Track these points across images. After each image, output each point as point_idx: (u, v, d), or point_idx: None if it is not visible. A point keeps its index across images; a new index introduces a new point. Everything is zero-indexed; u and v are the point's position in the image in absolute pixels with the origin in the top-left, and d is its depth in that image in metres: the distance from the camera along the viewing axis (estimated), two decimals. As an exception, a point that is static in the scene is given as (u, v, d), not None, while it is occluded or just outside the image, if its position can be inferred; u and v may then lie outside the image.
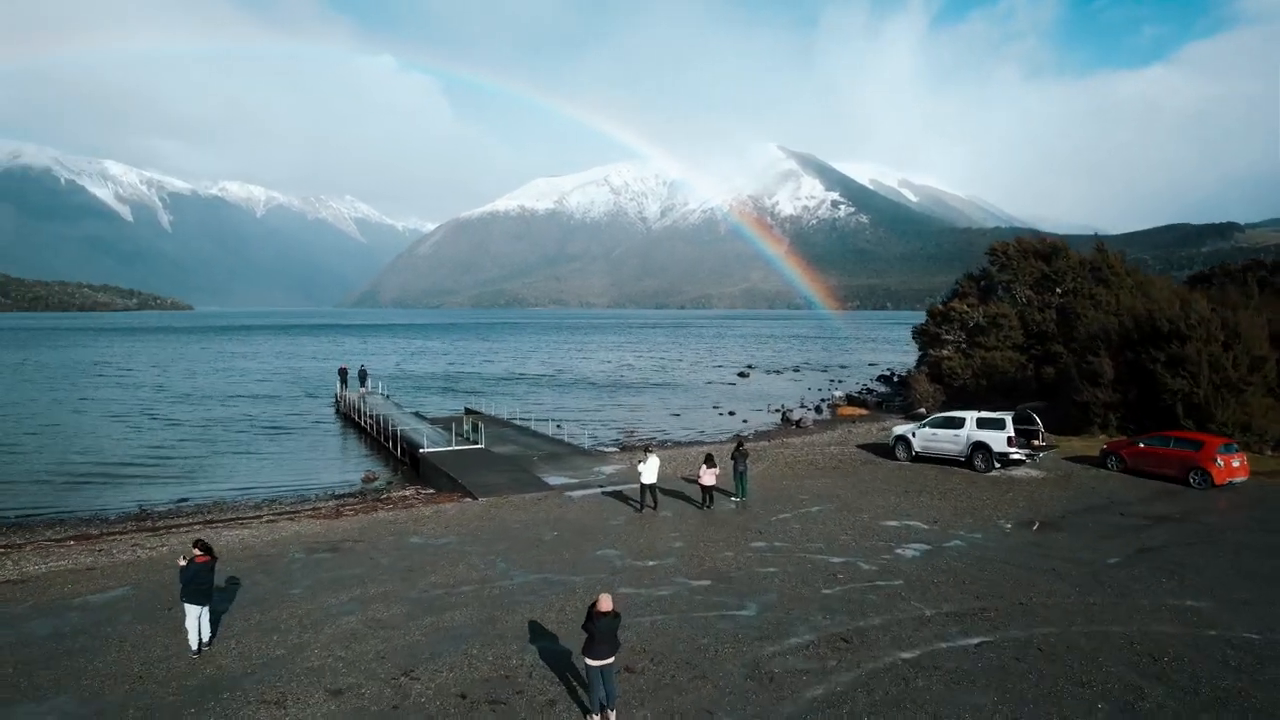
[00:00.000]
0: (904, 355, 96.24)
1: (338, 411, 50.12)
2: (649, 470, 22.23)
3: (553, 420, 38.73)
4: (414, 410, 45.93)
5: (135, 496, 28.78)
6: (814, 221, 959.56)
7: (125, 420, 48.62)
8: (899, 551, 17.99)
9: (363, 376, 52.91)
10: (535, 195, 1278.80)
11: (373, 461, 35.44)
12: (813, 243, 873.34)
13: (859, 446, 34.03)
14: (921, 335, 50.91)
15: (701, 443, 39.34)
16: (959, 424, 28.61)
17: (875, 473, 28.05)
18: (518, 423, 41.54)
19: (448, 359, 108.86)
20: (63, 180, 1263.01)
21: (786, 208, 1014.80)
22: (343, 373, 52.85)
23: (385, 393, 52.76)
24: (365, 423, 41.02)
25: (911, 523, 20.67)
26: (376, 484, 30.56)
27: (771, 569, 16.70)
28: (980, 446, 27.47)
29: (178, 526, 23.35)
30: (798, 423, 46.21)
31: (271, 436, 43.36)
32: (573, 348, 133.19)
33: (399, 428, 36.18)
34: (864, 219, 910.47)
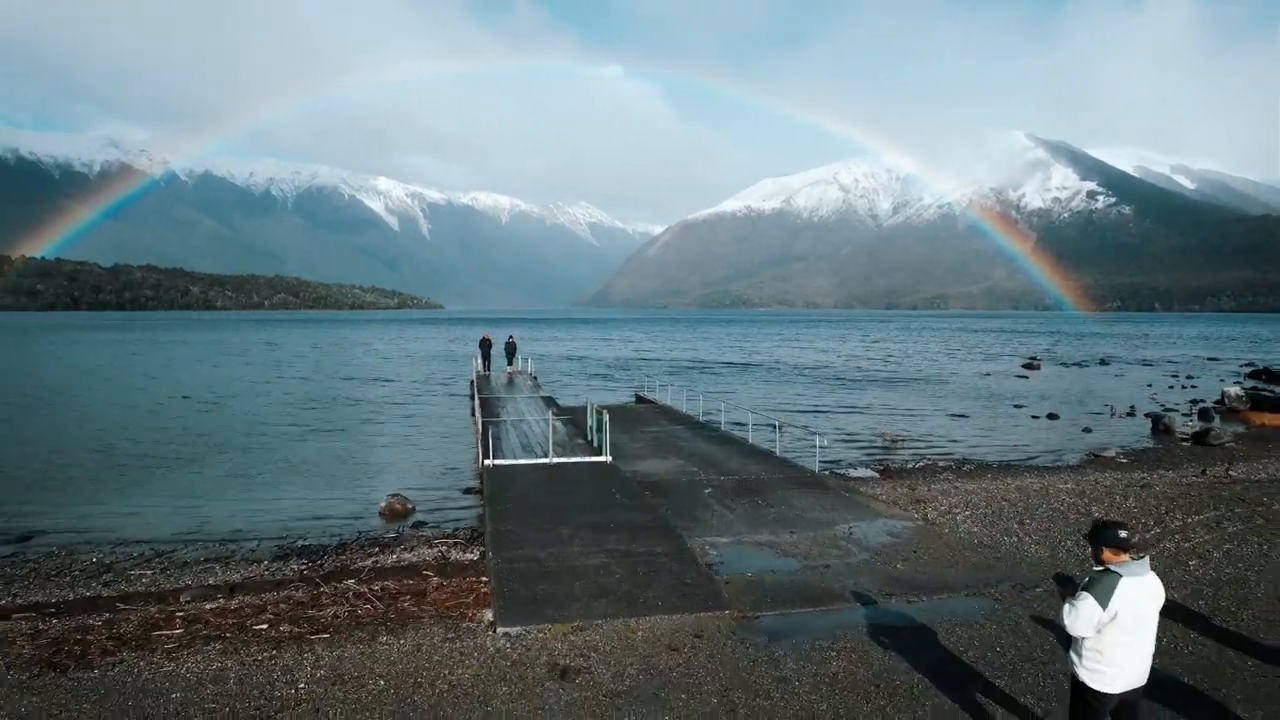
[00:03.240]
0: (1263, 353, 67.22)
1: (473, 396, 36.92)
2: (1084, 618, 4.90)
3: (757, 417, 22.49)
4: (546, 395, 31.02)
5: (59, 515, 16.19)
6: (1066, 215, 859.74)
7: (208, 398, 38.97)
8: None
9: (510, 351, 39.35)
10: (762, 195, 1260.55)
11: (440, 474, 20.87)
12: (1064, 238, 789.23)
13: None
14: None
15: (1035, 467, 20.67)
16: None
17: None
18: (703, 420, 25.41)
19: (636, 345, 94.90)
20: (346, 196, 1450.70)
21: (1034, 200, 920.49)
22: (484, 344, 39.46)
23: (533, 373, 38.86)
24: (476, 410, 26.88)
25: None
26: (401, 524, 15.78)
27: None
28: None
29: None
30: (1202, 437, 25.33)
31: (369, 421, 30.97)
32: (791, 339, 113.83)
33: (488, 421, 21.35)
34: (1126, 210, 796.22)
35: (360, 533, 15.14)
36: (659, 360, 70.17)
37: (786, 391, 43.52)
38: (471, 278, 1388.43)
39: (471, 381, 29.46)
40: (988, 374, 55.11)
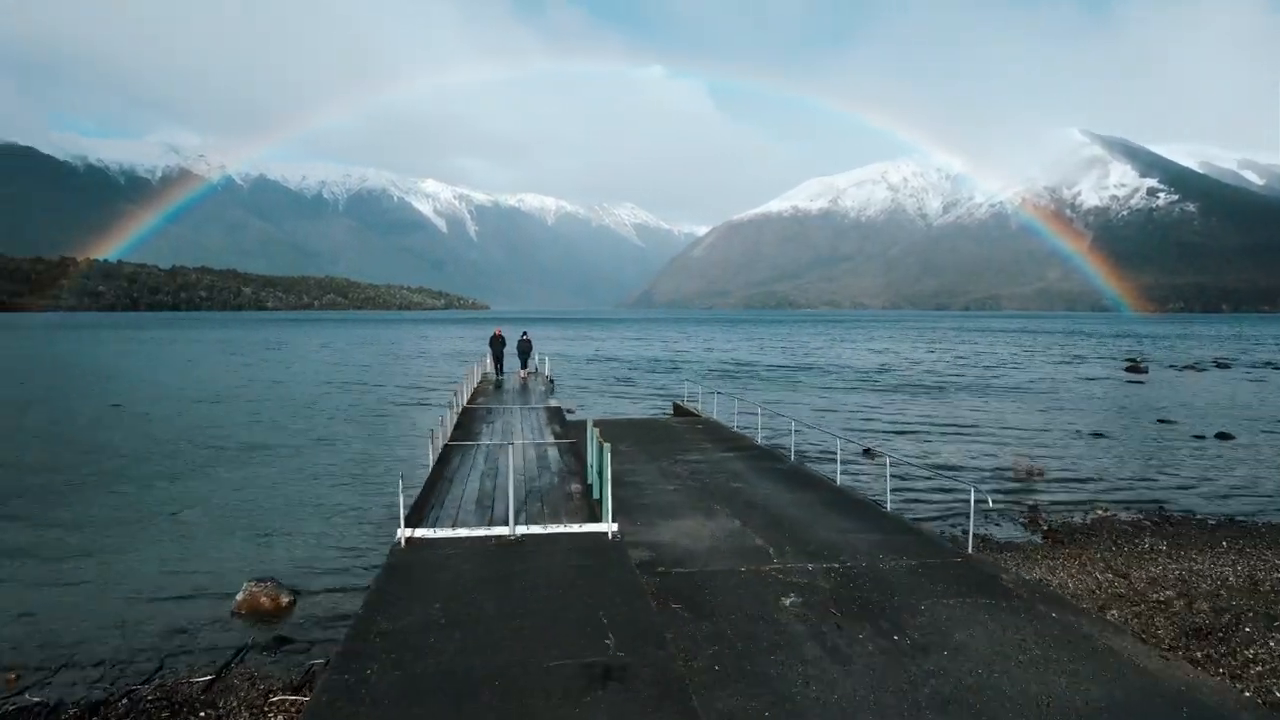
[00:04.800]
0: None
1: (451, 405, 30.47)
2: None
3: (831, 438, 15.41)
4: (554, 406, 24.12)
5: None
6: (1124, 213, 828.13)
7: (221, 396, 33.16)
8: None
9: (524, 351, 32.66)
10: (809, 195, 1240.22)
11: (359, 536, 14.29)
12: (1122, 237, 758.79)
13: None
14: None
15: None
16: None
17: None
18: (761, 442, 18.47)
19: (676, 345, 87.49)
20: (395, 198, 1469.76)
21: (1090, 199, 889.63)
22: (495, 342, 32.86)
23: (550, 375, 32.19)
24: (447, 426, 20.31)
25: None
26: (257, 631, 9.14)
27: None
28: None
29: None
30: None
31: (310, 444, 24.63)
32: (843, 339, 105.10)
33: (452, 448, 14.85)
34: (1190, 207, 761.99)
35: (179, 653, 8.59)
36: (700, 362, 63.04)
37: (856, 401, 36.09)
38: (517, 279, 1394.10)
39: (455, 392, 22.87)
40: (1089, 378, 46.83)
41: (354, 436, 26.11)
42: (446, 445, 15.87)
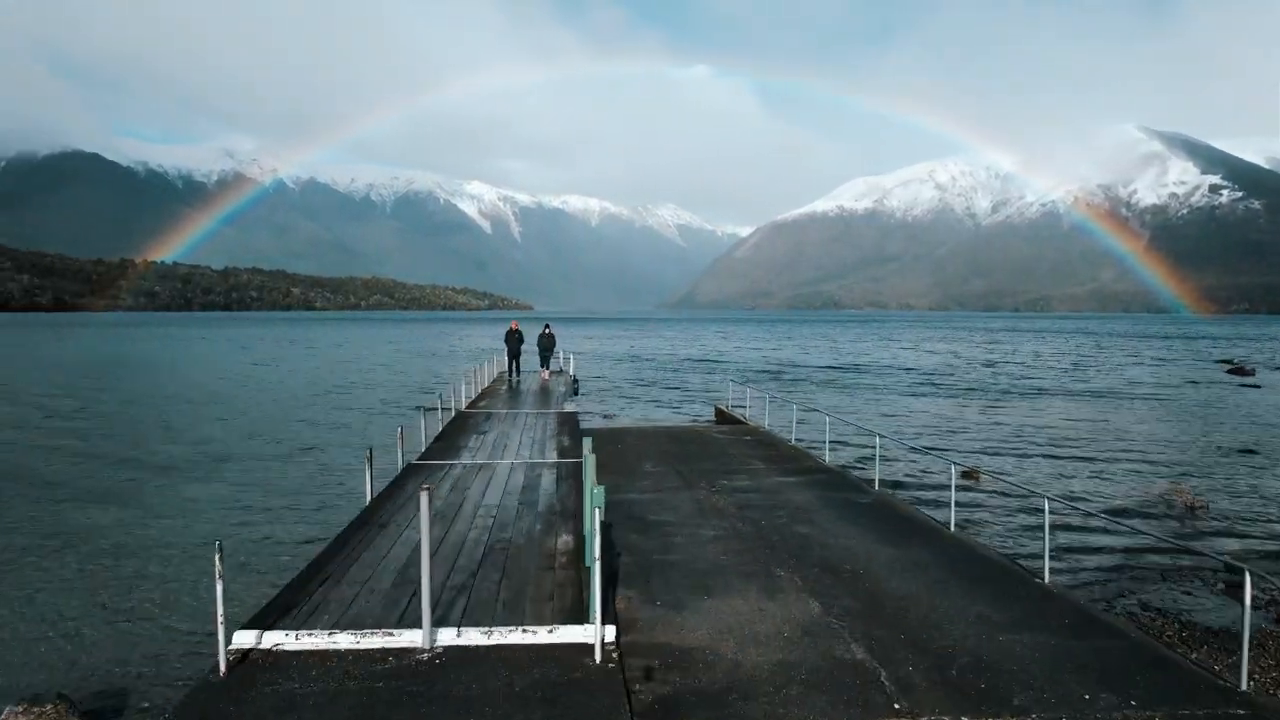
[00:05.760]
0: None
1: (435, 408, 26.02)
2: None
3: (918, 455, 11.06)
4: (569, 411, 19.81)
5: None
6: (1184, 211, 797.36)
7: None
8: None
9: (546, 349, 28.52)
10: (854, 195, 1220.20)
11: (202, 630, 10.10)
12: (1182, 236, 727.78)
13: None
14: None
15: None
16: None
17: None
18: (829, 461, 14.22)
19: (720, 344, 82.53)
20: (441, 200, 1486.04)
21: (1147, 197, 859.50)
22: (512, 338, 28.72)
23: (573, 375, 28.14)
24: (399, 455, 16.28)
25: None
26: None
27: None
28: None
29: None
30: None
31: (241, 476, 20.74)
32: (894, 339, 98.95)
33: (388, 496, 10.75)
34: (1256, 205, 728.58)
35: None
36: (744, 362, 58.45)
37: (927, 407, 31.28)
38: (560, 279, 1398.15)
39: (441, 396, 18.51)
40: (1191, 381, 41.16)
41: (283, 456, 20.16)
42: (409, 465, 11.89)
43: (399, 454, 11.64)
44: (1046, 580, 8.02)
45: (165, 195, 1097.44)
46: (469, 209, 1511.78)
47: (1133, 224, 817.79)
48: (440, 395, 16.55)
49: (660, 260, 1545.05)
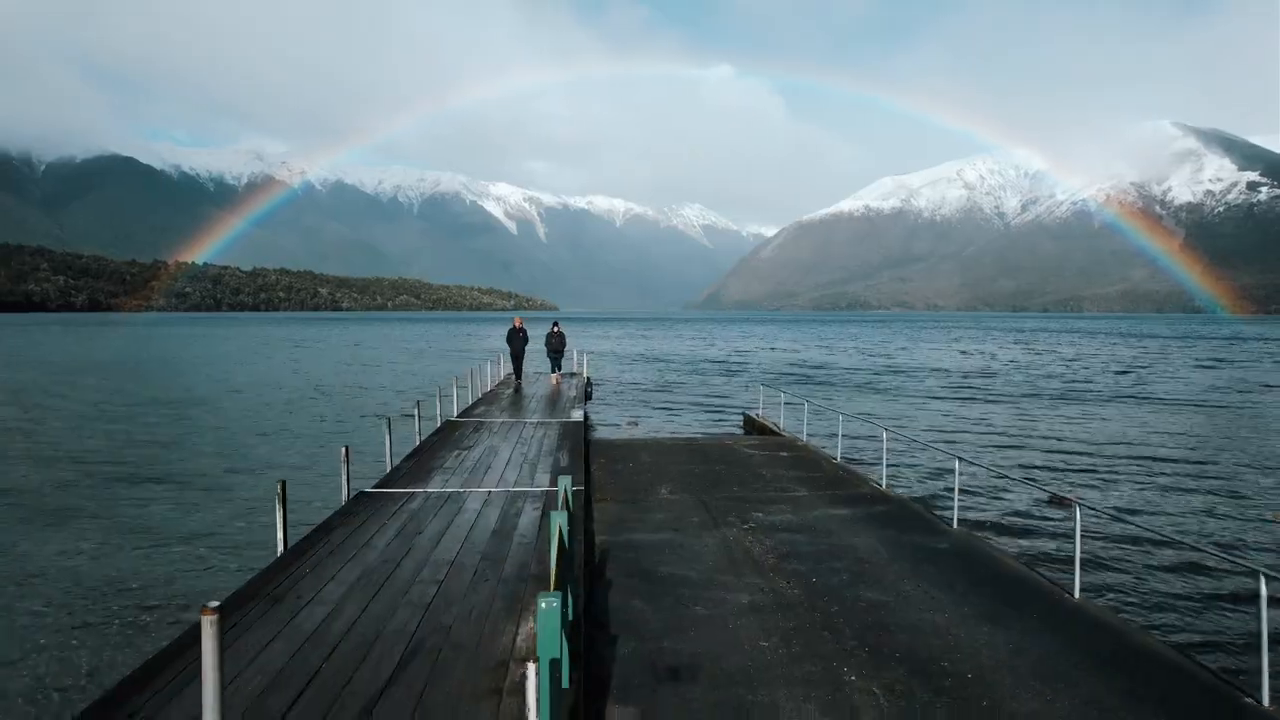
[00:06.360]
0: None
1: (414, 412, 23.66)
2: None
3: (990, 477, 8.44)
4: (575, 420, 17.09)
5: None
6: (1220, 209, 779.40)
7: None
8: None
9: (555, 349, 25.85)
10: (881, 194, 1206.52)
11: None
12: (1219, 234, 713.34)
13: None
14: None
15: None
16: None
17: None
18: (885, 485, 11.43)
19: (749, 346, 79.35)
20: (467, 201, 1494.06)
21: (1182, 194, 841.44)
22: (516, 337, 25.97)
23: (587, 377, 25.55)
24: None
25: None
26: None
27: None
28: None
29: None
30: None
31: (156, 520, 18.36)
32: (924, 340, 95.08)
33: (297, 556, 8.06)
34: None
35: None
36: (772, 363, 55.50)
37: (976, 415, 28.22)
38: (585, 280, 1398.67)
39: (418, 415, 16.22)
40: (1268, 386, 37.62)
41: (193, 483, 15.87)
42: (360, 494, 9.36)
43: (344, 480, 9.07)
44: (1259, 701, 5.25)
45: (197, 197, 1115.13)
46: (495, 210, 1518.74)
47: (1167, 222, 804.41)
48: (419, 402, 13.97)
49: (685, 261, 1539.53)
